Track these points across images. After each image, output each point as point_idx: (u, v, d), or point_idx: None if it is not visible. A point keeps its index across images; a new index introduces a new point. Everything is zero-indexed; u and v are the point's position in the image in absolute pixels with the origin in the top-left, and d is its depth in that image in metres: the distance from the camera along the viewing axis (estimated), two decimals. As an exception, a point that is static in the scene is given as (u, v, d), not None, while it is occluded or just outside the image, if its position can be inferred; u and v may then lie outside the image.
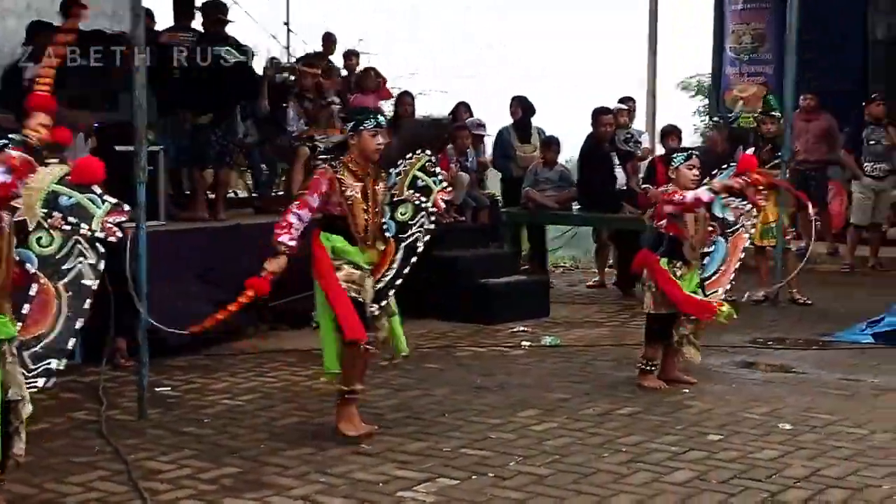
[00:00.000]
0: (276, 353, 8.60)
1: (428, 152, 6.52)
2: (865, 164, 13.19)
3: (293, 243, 5.99)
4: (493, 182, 13.39)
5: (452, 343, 9.07)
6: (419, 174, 6.44)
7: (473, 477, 5.61)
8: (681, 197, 7.33)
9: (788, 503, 5.29)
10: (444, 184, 6.61)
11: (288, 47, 14.06)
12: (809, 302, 11.05)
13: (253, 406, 7.04)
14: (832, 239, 14.22)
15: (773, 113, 11.36)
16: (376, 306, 6.26)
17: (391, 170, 6.36)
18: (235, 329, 8.91)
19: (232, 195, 11.64)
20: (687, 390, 7.51)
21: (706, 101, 30.88)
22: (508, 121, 12.75)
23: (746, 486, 5.50)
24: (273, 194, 11.19)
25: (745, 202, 7.78)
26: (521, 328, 9.73)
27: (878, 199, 13.28)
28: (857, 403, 7.21)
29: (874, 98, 13.57)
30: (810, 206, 9.79)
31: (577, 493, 5.38)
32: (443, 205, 6.61)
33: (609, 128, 11.59)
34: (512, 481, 5.55)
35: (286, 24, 15.00)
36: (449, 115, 13.14)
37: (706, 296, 7.56)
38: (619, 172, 11.67)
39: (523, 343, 9.15)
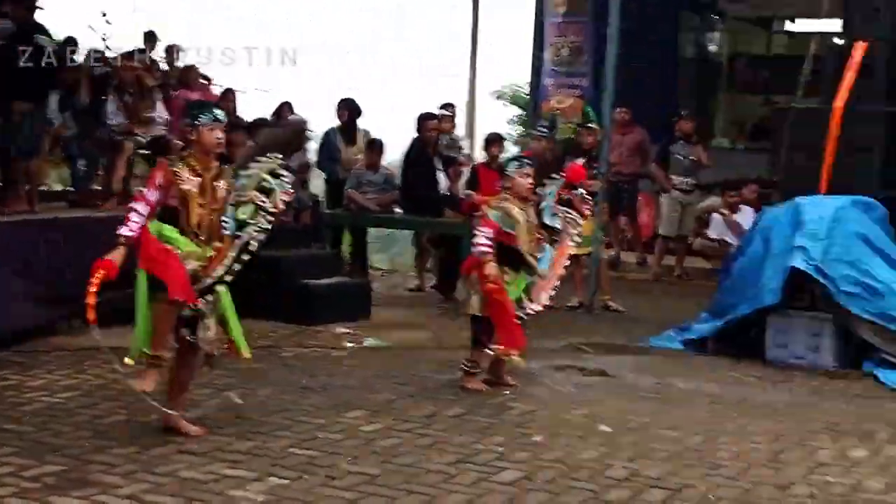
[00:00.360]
0: (94, 350, 8.37)
1: (279, 156, 6.48)
2: (674, 178, 13.64)
3: (130, 234, 5.92)
4: (317, 183, 13.36)
5: (275, 343, 9.01)
6: (267, 177, 6.37)
7: (304, 477, 5.61)
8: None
9: (611, 502, 5.48)
10: (288, 186, 6.59)
11: (105, 39, 13.69)
12: (622, 309, 11.39)
13: (74, 404, 6.85)
14: (641, 249, 14.69)
15: (591, 125, 11.64)
16: (202, 301, 6.21)
17: (241, 172, 6.29)
18: (48, 325, 8.69)
19: (46, 188, 11.32)
20: (508, 392, 7.67)
21: (519, 111, 31.67)
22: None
23: (571, 486, 5.67)
24: (91, 188, 10.87)
25: (570, 211, 8.00)
26: (343, 329, 9.75)
27: (684, 211, 13.75)
28: (671, 407, 7.49)
29: (683, 115, 14.07)
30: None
31: (407, 493, 5.44)
32: (282, 206, 6.57)
33: (433, 133, 11.73)
34: (342, 481, 5.58)
35: (104, 14, 14.66)
36: (273, 114, 13.10)
37: (531, 301, 7.74)
38: (442, 177, 11.81)
39: (346, 344, 9.17)
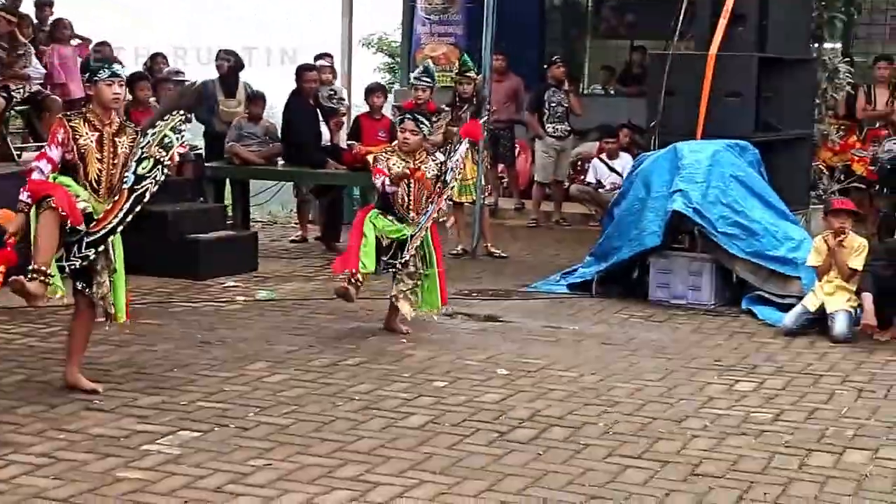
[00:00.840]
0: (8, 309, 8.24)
1: (182, 112, 6.52)
2: (547, 125, 13.84)
3: (30, 200, 5.88)
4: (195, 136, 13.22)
5: (165, 299, 8.99)
6: (169, 133, 6.37)
7: (216, 429, 5.69)
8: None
9: (517, 441, 5.67)
10: (182, 138, 6.64)
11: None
12: (505, 255, 11.57)
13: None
14: (519, 195, 14.91)
15: (469, 74, 11.72)
16: (93, 250, 6.16)
17: (148, 130, 6.30)
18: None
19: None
20: (405, 341, 7.80)
21: (387, 58, 31.63)
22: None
23: (478, 428, 5.85)
24: None
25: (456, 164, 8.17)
26: (232, 283, 9.75)
27: (559, 157, 13.98)
28: (563, 349, 7.72)
29: (555, 61, 14.26)
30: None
31: (320, 441, 5.56)
32: (177, 158, 6.66)
33: (313, 84, 11.71)
34: (254, 431, 5.67)
35: None
36: (145, 65, 12.94)
37: (405, 248, 7.87)
38: (324, 128, 11.81)
39: (238, 298, 9.18)
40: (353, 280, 7.67)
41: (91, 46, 12.08)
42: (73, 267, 6.12)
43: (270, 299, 9.12)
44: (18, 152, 10.30)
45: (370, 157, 8.28)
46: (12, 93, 10.25)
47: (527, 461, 5.36)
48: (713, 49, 9.79)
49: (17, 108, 10.32)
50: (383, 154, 8.10)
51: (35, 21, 12.19)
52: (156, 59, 12.90)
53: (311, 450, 5.41)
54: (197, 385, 6.48)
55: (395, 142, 8.17)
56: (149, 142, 6.24)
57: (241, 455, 5.29)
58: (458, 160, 8.20)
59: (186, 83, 10.72)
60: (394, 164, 7.86)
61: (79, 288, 6.27)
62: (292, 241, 12.47)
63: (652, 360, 7.46)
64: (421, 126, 7.98)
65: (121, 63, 6.80)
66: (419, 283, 8.00)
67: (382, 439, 5.62)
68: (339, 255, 8.06)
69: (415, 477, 5.10)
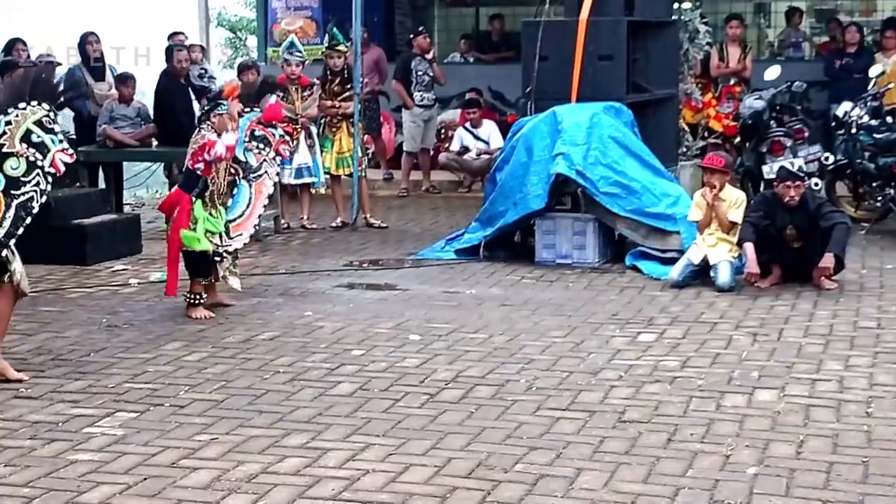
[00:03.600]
0: None
1: (45, 106, 6.32)
2: (415, 94, 14.06)
3: None
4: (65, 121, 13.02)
5: (58, 286, 8.92)
6: (34, 128, 6.15)
7: (151, 408, 5.76)
8: (213, 151, 7.69)
9: (448, 401, 5.87)
10: (64, 144, 6.49)
11: None
12: (384, 225, 11.74)
13: None
14: (386, 165, 15.10)
15: (340, 47, 11.84)
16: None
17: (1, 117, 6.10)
18: None
19: None
20: (310, 313, 7.90)
21: (229, 33, 31.35)
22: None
23: (406, 392, 6.04)
24: None
25: (267, 149, 8.30)
26: (121, 266, 9.73)
27: (426, 126, 14.23)
28: (467, 312, 7.91)
29: (421, 31, 14.50)
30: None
31: (258, 413, 5.68)
32: (62, 167, 6.31)
33: (184, 64, 11.70)
34: (191, 408, 5.76)
35: None
36: (2, 51, 12.68)
37: (231, 238, 8.02)
38: (196, 107, 11.79)
39: (131, 280, 9.17)
40: (194, 300, 7.83)
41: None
42: None
43: (164, 280, 9.12)
44: None
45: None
46: None
47: (462, 419, 5.56)
48: (584, 14, 10.03)
49: None
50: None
51: None
52: (14, 46, 12.57)
53: (251, 422, 5.52)
54: (119, 367, 6.52)
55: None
56: (4, 132, 6.04)
57: (184, 431, 5.39)
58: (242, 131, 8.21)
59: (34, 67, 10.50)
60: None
61: None
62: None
63: (553, 318, 7.69)
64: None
65: None
66: (237, 257, 8.23)
67: (318, 408, 5.76)
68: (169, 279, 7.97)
69: (360, 441, 5.26)
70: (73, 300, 8.42)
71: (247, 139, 8.16)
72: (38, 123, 6.16)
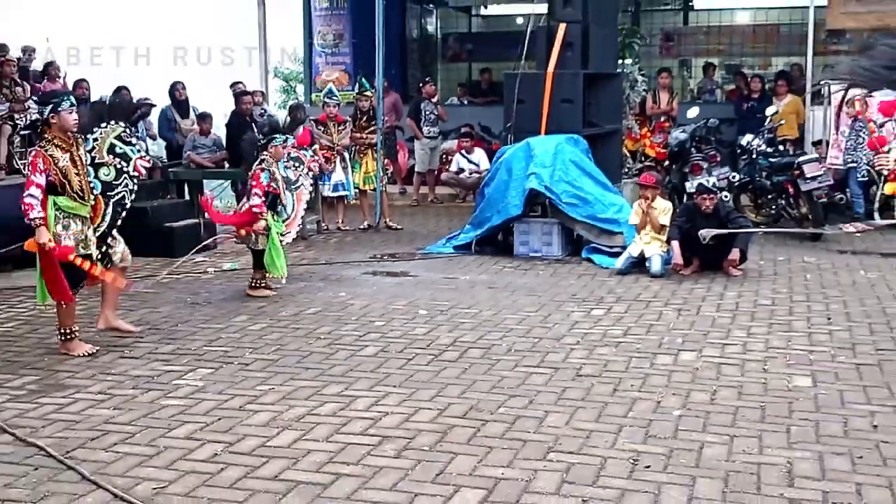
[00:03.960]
0: (15, 289, 8.10)
1: (122, 124, 6.40)
2: (423, 128, 14.01)
3: (41, 215, 5.76)
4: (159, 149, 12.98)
5: (153, 273, 8.85)
6: (116, 142, 6.25)
7: (224, 366, 5.78)
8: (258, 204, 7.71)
9: (447, 360, 5.88)
10: (142, 152, 6.57)
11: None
12: (400, 227, 11.71)
13: (20, 330, 6.70)
14: (401, 182, 15.06)
15: (367, 93, 11.85)
16: (97, 251, 6.14)
17: (87, 136, 6.16)
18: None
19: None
20: (344, 294, 7.86)
21: (282, 82, 31.27)
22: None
23: (417, 353, 6.05)
24: None
25: (301, 166, 8.26)
26: (200, 259, 9.67)
27: (432, 153, 14.19)
28: (462, 293, 7.90)
29: (427, 81, 14.45)
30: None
31: (304, 370, 5.70)
32: (143, 170, 6.49)
33: (248, 106, 11.66)
34: (253, 366, 5.78)
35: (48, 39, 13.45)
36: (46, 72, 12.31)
37: (283, 235, 7.93)
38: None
39: (208, 269, 9.14)
40: (257, 284, 7.83)
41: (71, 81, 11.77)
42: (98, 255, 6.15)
43: (234, 269, 9.11)
44: (23, 166, 10.04)
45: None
46: (17, 121, 9.99)
47: (458, 374, 5.58)
48: (550, 68, 10.00)
49: (21, 132, 10.04)
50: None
51: (25, 63, 11.82)
52: (80, 84, 12.01)
53: (299, 376, 5.55)
54: (200, 335, 6.53)
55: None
56: (93, 146, 6.10)
57: (248, 383, 5.42)
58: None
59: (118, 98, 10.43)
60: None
61: (105, 263, 6.25)
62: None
63: (527, 297, 7.69)
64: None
65: (74, 95, 6.62)
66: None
67: (349, 365, 5.78)
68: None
69: (381, 390, 5.29)
70: (165, 284, 8.40)
71: (285, 160, 8.13)
72: (118, 138, 6.30)
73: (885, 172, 6.09)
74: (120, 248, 6.37)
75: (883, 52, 5.53)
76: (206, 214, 7.83)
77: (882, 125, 6.88)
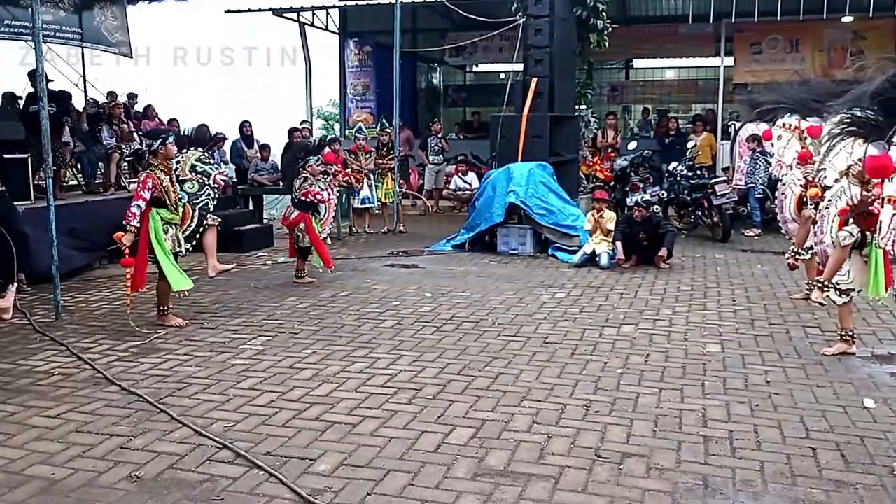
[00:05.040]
0: (121, 276, 7.94)
1: (199, 149, 6.40)
2: (430, 157, 13.93)
3: (138, 223, 5.74)
4: (231, 172, 12.86)
5: (226, 264, 8.75)
6: (197, 163, 6.25)
7: (278, 335, 5.74)
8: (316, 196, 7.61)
9: (446, 331, 5.81)
10: (220, 168, 6.58)
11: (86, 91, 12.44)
12: (408, 230, 11.61)
13: (120, 305, 6.61)
14: (412, 197, 14.98)
15: (387, 129, 11.81)
16: (188, 245, 6.15)
17: (171, 161, 6.07)
18: (88, 265, 8.31)
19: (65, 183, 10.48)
20: (369, 281, 7.79)
21: (322, 121, 31.24)
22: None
23: (424, 326, 5.98)
24: (95, 182, 10.16)
25: (329, 178, 8.17)
26: (261, 253, 9.67)
27: (437, 175, 14.12)
28: (458, 281, 7.83)
29: (434, 121, 14.39)
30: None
31: (339, 338, 5.64)
32: (221, 182, 6.51)
33: (298, 138, 11.60)
34: (301, 335, 5.73)
35: (146, 88, 13.23)
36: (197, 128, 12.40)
37: (319, 233, 7.72)
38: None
39: (267, 262, 9.11)
40: (300, 275, 7.67)
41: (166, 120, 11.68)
42: (187, 250, 6.13)
43: (287, 262, 9.05)
44: (126, 184, 10.00)
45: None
46: (123, 149, 9.93)
47: (454, 342, 5.55)
48: (526, 111, 9.95)
49: (127, 159, 9.98)
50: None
51: (130, 105, 11.72)
52: (150, 108, 11.75)
53: (335, 343, 5.52)
54: (260, 311, 6.49)
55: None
56: (178, 167, 6.10)
57: (297, 348, 5.39)
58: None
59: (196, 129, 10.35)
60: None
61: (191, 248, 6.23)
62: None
63: (507, 284, 7.65)
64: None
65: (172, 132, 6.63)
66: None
67: (373, 334, 5.74)
68: (318, 252, 7.61)
69: (396, 353, 5.25)
70: (234, 273, 8.25)
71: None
72: (199, 160, 6.25)
73: (809, 178, 6.01)
74: (211, 219, 6.37)
75: (817, 87, 5.51)
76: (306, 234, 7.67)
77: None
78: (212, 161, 6.49)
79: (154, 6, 11.28)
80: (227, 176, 6.74)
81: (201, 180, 6.26)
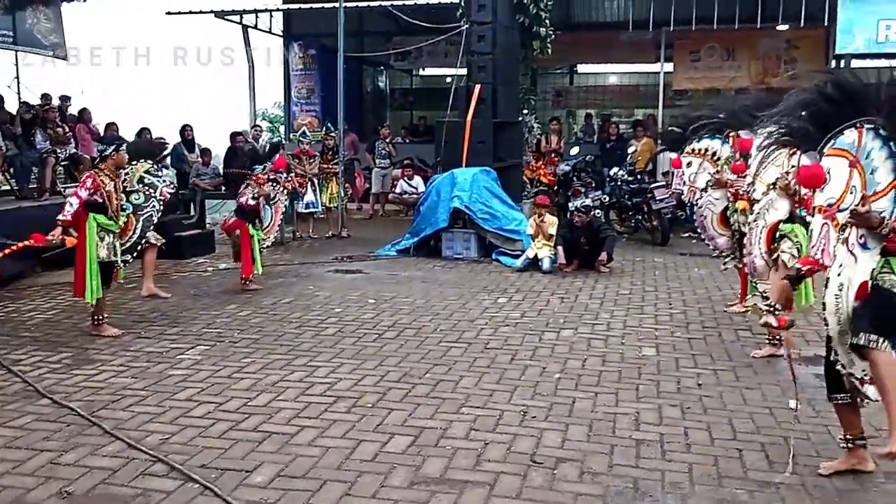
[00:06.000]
0: (54, 284, 7.85)
1: (149, 161, 6.35)
2: (378, 161, 13.88)
3: (66, 217, 5.60)
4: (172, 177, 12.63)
5: (165, 272, 8.62)
6: (145, 175, 6.21)
7: (217, 344, 5.67)
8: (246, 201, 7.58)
9: (388, 337, 5.81)
10: (167, 181, 6.50)
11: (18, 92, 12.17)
12: (352, 235, 11.57)
13: (59, 317, 6.50)
14: (358, 200, 14.92)
15: (332, 134, 11.76)
16: (129, 256, 6.07)
17: (121, 170, 6.02)
18: (21, 273, 8.08)
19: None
20: (312, 287, 7.75)
21: (268, 123, 30.87)
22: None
23: (365, 332, 5.96)
24: (28, 187, 9.85)
25: (278, 186, 8.13)
26: (202, 260, 9.51)
27: (384, 179, 14.09)
28: (402, 286, 7.82)
29: (382, 125, 14.40)
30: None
31: (279, 346, 5.59)
32: (168, 195, 6.44)
33: (240, 143, 11.47)
34: (240, 344, 5.69)
35: (82, 91, 12.89)
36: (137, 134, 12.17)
37: (263, 240, 7.74)
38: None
39: (208, 268, 8.98)
40: (246, 284, 7.54)
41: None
42: (125, 261, 6.04)
43: (228, 269, 8.94)
44: (62, 189, 9.76)
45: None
46: (58, 154, 9.69)
47: (395, 349, 5.55)
48: (469, 117, 10.01)
49: (62, 163, 9.73)
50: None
51: (63, 108, 11.43)
52: (86, 111, 11.41)
53: (275, 352, 5.48)
54: (200, 320, 6.40)
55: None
56: (125, 178, 6.03)
57: (236, 357, 5.34)
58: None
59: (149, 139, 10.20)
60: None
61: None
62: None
63: (451, 289, 7.66)
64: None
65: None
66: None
67: (314, 342, 5.72)
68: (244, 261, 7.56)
69: (337, 361, 5.24)
70: (175, 280, 8.21)
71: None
72: (147, 172, 6.18)
73: (739, 192, 6.17)
74: (152, 235, 6.36)
75: (752, 99, 5.66)
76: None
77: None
78: (160, 174, 6.40)
79: (90, 4, 11.03)
80: (174, 189, 6.64)
81: (148, 192, 6.18)
